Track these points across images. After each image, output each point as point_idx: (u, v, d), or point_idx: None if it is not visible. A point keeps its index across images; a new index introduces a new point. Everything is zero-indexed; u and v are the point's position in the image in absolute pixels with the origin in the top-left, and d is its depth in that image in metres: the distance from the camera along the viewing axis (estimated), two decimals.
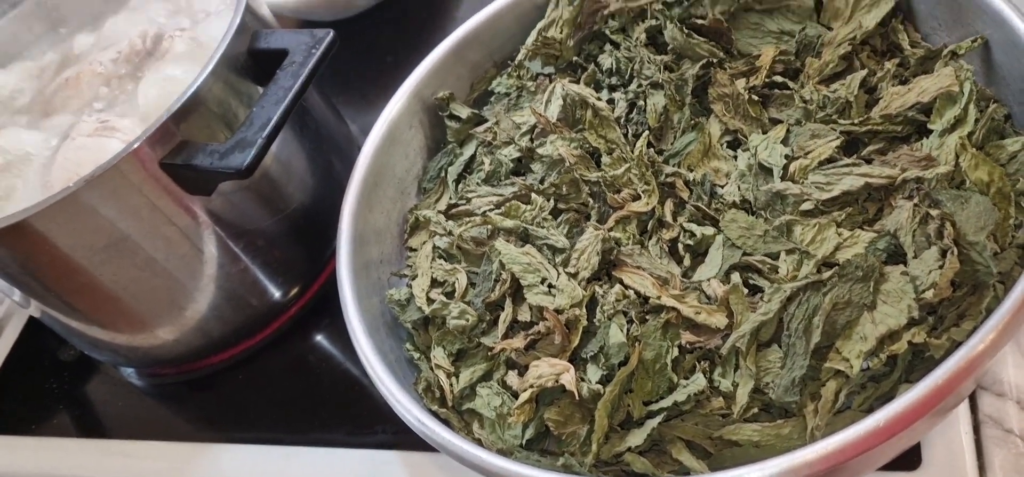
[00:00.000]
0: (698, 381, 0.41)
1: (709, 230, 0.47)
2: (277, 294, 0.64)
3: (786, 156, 0.47)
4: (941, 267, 0.38)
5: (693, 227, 0.47)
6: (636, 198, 0.49)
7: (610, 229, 0.48)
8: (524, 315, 0.48)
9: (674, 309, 0.44)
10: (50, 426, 0.67)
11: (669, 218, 0.49)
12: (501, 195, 0.53)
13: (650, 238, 0.49)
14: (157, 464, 0.60)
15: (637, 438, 0.41)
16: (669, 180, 0.49)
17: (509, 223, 0.51)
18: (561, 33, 0.58)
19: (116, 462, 0.62)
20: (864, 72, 0.49)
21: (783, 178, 0.47)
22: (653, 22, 0.55)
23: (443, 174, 0.59)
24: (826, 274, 0.40)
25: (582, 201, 0.51)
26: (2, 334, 0.75)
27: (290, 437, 0.58)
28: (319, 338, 0.66)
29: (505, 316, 0.47)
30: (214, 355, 0.64)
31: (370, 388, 0.60)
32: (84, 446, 0.64)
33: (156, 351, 0.62)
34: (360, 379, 0.61)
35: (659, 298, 0.45)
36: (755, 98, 0.51)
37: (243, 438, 0.60)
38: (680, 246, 0.48)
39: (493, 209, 0.53)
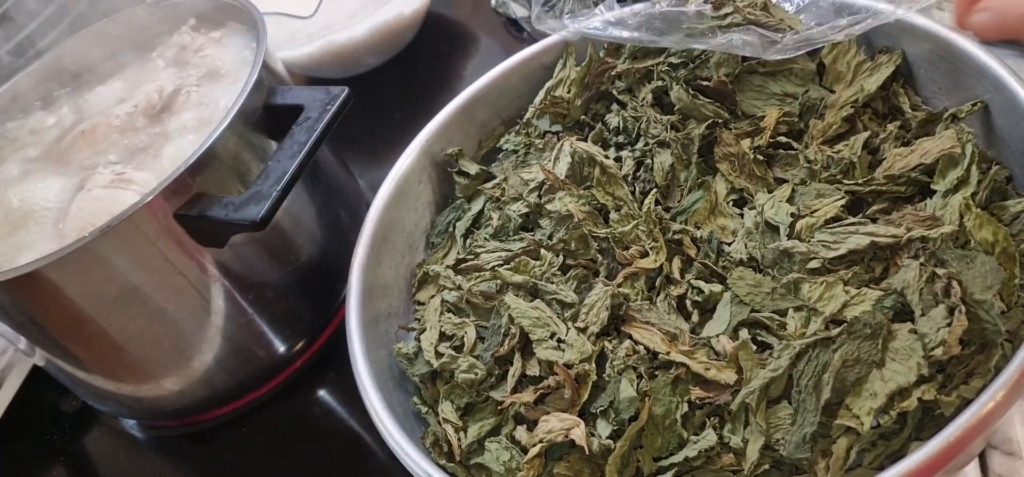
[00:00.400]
0: (709, 437, 0.41)
1: (717, 287, 0.47)
2: (283, 347, 0.64)
3: (792, 215, 0.48)
4: (949, 325, 0.38)
5: (701, 284, 0.48)
6: (644, 255, 0.50)
7: (619, 285, 0.49)
8: (533, 369, 0.48)
9: (684, 365, 0.44)
10: None
11: (677, 275, 0.49)
12: (510, 250, 0.54)
13: (658, 294, 0.49)
14: None
15: None
16: (677, 237, 0.50)
17: (519, 278, 0.51)
18: (569, 93, 0.60)
19: None
20: (867, 134, 0.50)
21: (789, 237, 0.47)
22: (659, 83, 0.56)
23: (451, 229, 0.60)
24: (835, 331, 0.41)
25: (591, 257, 0.51)
26: (4, 384, 0.74)
27: None
28: (323, 392, 0.66)
29: (514, 370, 0.47)
30: (218, 408, 0.64)
31: (373, 444, 0.60)
32: None
33: (161, 403, 0.62)
34: (363, 434, 0.61)
35: (668, 354, 0.45)
36: (760, 158, 0.52)
37: None
38: (688, 302, 0.48)
39: (502, 264, 0.53)
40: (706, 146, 0.54)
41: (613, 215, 0.52)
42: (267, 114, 0.55)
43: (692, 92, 0.54)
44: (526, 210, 0.56)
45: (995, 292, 0.39)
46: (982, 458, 0.45)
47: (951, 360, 0.39)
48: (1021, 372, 0.35)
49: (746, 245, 0.48)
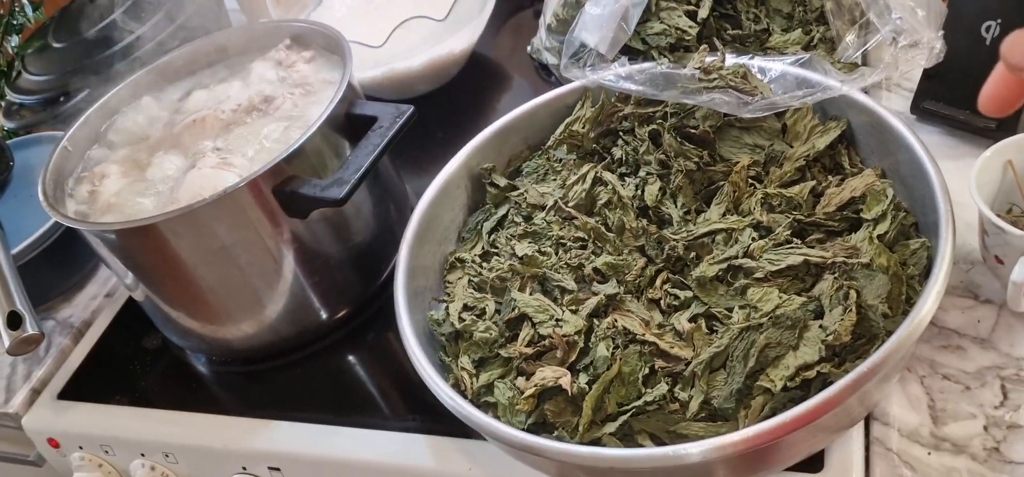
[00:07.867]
0: (661, 388, 0.54)
1: (688, 293, 0.61)
2: (332, 310, 0.77)
3: (752, 238, 0.62)
4: (842, 320, 0.52)
5: (676, 292, 0.61)
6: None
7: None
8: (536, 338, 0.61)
9: (653, 343, 0.58)
10: (131, 397, 0.80)
11: (658, 284, 0.63)
12: (539, 248, 0.68)
13: (641, 294, 0.63)
14: (223, 433, 0.73)
15: (612, 427, 0.54)
16: (670, 253, 0.63)
17: (532, 270, 0.65)
18: (583, 128, 0.74)
19: (185, 430, 0.75)
20: (813, 183, 0.64)
21: (745, 254, 0.61)
22: (655, 126, 0.70)
23: (479, 227, 0.74)
24: (764, 320, 0.54)
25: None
26: (94, 323, 0.89)
27: (335, 419, 0.71)
28: (363, 349, 0.79)
29: (524, 335, 0.61)
30: (278, 355, 0.78)
31: (403, 389, 0.73)
32: (160, 416, 0.77)
33: (232, 343, 0.76)
34: (393, 384, 0.74)
35: (644, 335, 0.58)
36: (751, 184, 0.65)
37: (295, 417, 0.72)
38: (662, 303, 0.62)
39: (526, 256, 0.67)
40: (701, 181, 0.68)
41: (610, 258, 0.64)
42: (347, 121, 0.70)
43: (679, 140, 0.68)
44: (554, 219, 0.70)
45: (882, 300, 0.52)
46: (867, 425, 0.58)
47: (845, 348, 0.52)
48: (888, 352, 0.48)
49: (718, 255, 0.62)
